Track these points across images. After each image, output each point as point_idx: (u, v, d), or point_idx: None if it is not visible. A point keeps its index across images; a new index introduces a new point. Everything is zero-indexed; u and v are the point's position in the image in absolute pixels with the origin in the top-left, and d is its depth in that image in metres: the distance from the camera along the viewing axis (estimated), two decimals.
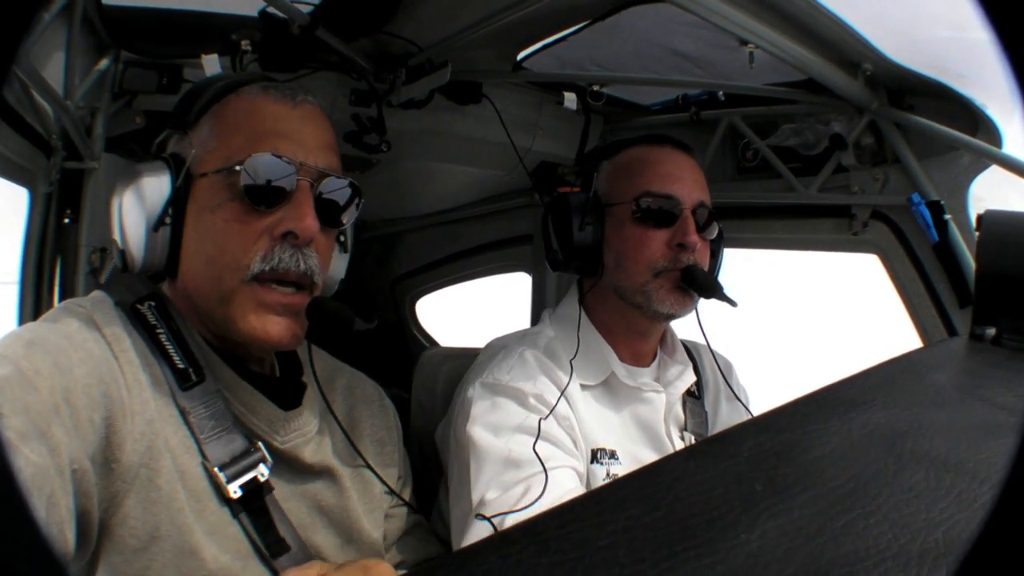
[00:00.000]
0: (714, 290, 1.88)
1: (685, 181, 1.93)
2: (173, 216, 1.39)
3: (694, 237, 1.87)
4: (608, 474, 1.85)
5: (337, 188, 1.45)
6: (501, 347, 1.95)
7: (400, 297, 4.58)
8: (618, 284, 1.92)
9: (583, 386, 1.89)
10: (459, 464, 1.79)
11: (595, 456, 1.84)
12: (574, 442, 1.80)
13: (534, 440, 1.71)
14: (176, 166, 1.40)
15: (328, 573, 1.16)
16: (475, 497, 1.68)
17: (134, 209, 1.39)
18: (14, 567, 0.40)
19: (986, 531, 0.42)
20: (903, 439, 0.74)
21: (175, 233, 1.40)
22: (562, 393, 1.82)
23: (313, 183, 1.41)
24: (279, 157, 1.37)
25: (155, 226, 1.38)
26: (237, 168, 1.35)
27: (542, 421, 1.74)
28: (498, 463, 1.70)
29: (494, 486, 1.67)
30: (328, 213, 1.44)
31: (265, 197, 1.36)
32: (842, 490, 0.65)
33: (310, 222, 1.37)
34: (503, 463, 1.69)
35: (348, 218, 1.50)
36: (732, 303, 1.91)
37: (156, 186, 1.39)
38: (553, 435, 1.75)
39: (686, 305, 1.90)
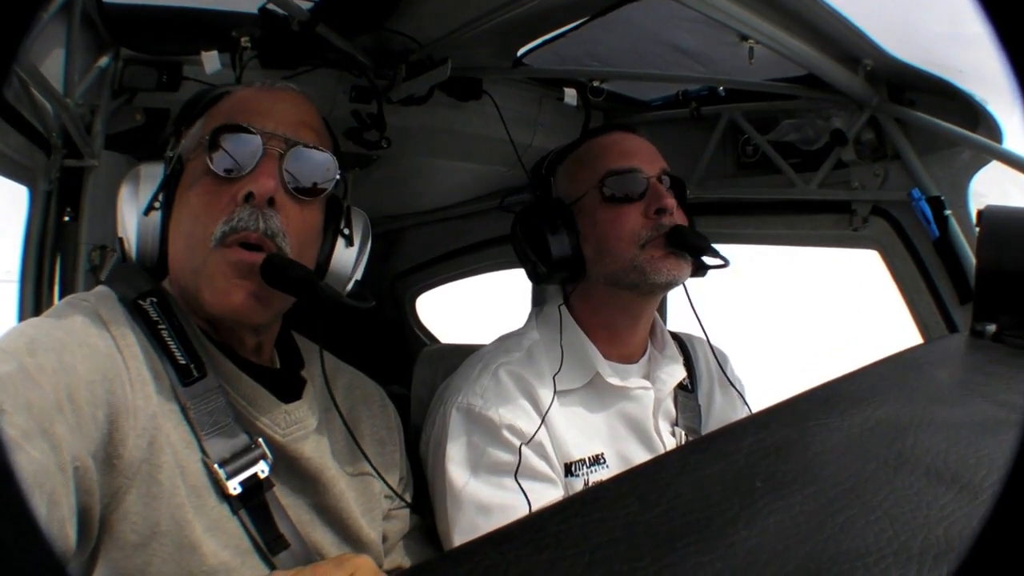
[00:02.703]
0: (704, 247, 1.84)
1: (642, 153, 1.94)
2: (163, 203, 1.43)
3: (669, 200, 1.85)
4: (586, 484, 1.84)
5: (307, 156, 1.44)
6: (478, 361, 1.94)
7: (400, 294, 4.58)
8: (606, 271, 1.89)
9: (565, 392, 1.87)
10: (437, 490, 1.82)
11: (569, 470, 1.84)
12: (550, 465, 1.81)
13: (508, 479, 1.74)
14: (171, 160, 1.46)
15: (300, 573, 1.17)
16: (456, 541, 1.72)
17: (130, 199, 1.45)
18: (14, 567, 0.40)
19: (988, 529, 0.42)
20: (904, 436, 0.74)
21: (165, 218, 1.43)
22: (541, 415, 1.82)
23: (282, 152, 1.41)
24: (243, 126, 1.40)
25: (145, 210, 1.42)
26: (204, 141, 1.40)
27: (516, 457, 1.76)
28: (471, 509, 1.73)
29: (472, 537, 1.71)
30: (300, 183, 1.43)
31: (231, 167, 1.38)
32: (842, 487, 0.65)
33: (265, 180, 1.37)
34: (476, 509, 1.73)
35: (322, 184, 1.47)
36: (724, 261, 1.88)
37: (151, 176, 1.45)
38: (530, 467, 1.76)
39: (682, 269, 1.85)
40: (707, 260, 1.90)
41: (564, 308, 2.00)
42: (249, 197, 1.36)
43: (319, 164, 1.46)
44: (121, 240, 1.46)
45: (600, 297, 1.95)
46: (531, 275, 2.03)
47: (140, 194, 1.44)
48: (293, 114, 1.48)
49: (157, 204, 1.42)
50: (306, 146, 1.44)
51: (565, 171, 2.01)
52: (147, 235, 1.43)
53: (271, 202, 1.37)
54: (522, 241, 1.99)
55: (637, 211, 1.86)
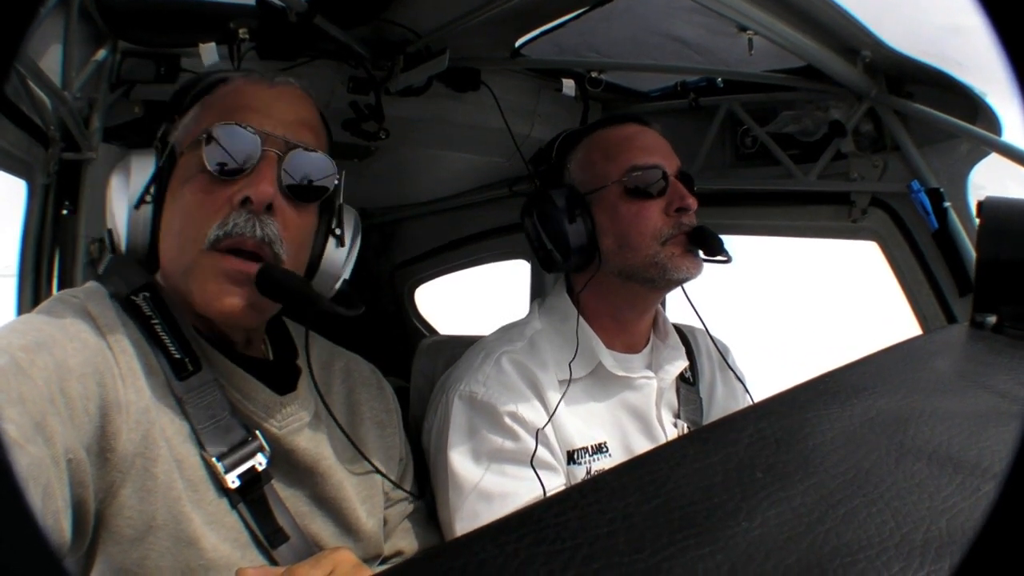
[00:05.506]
0: (721, 248, 1.87)
1: (662, 151, 1.95)
2: (155, 195, 1.39)
3: (691, 199, 1.88)
4: (589, 472, 1.85)
5: (306, 160, 1.41)
6: (481, 349, 1.94)
7: (399, 285, 4.57)
8: (624, 265, 1.90)
9: (568, 381, 1.87)
10: (439, 478, 1.82)
11: (571, 458, 1.84)
12: (552, 453, 1.81)
13: (510, 466, 1.75)
14: (163, 149, 1.42)
15: (287, 572, 1.17)
16: (457, 529, 1.73)
17: (120, 190, 1.40)
18: (9, 558, 0.39)
19: (991, 521, 0.42)
20: (905, 427, 0.74)
21: (156, 212, 1.40)
22: (544, 403, 1.83)
23: (280, 155, 1.38)
24: (242, 127, 1.36)
25: (136, 203, 1.39)
26: (201, 138, 1.36)
27: (518, 444, 1.77)
28: (473, 497, 1.74)
29: (475, 526, 1.70)
30: (298, 187, 1.40)
31: (228, 167, 1.35)
32: (844, 478, 0.65)
33: (265, 187, 1.34)
34: (477, 497, 1.73)
35: (320, 186, 1.45)
36: (729, 258, 1.90)
37: (142, 167, 1.41)
38: (531, 455, 1.76)
39: (698, 267, 1.89)
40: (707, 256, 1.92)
41: (569, 298, 2.01)
42: (246, 202, 1.33)
43: (317, 167, 1.43)
44: (110, 232, 1.43)
45: (611, 289, 1.95)
46: (544, 262, 2.03)
47: (131, 185, 1.40)
48: (292, 112, 1.45)
49: (148, 197, 1.39)
50: (305, 149, 1.41)
51: (580, 159, 2.00)
52: (137, 229, 1.40)
53: (268, 208, 1.35)
54: (536, 227, 1.98)
55: (658, 207, 1.88)
